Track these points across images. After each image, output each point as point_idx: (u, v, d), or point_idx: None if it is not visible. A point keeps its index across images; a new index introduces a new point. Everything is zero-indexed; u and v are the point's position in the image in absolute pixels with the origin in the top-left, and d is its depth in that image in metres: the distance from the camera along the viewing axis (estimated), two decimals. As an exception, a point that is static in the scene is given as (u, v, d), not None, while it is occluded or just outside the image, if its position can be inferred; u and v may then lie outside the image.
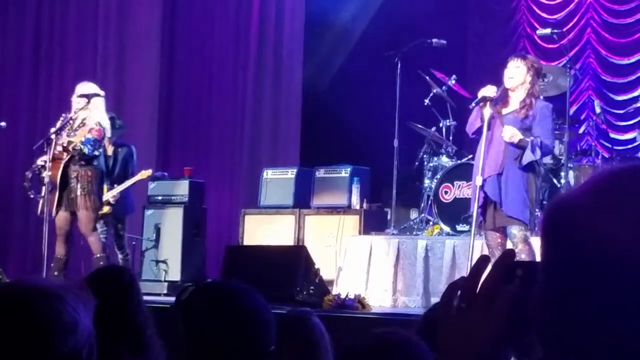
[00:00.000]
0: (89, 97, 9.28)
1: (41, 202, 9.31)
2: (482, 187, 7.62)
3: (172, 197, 11.14)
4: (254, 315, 2.57)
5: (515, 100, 7.68)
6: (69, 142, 9.07)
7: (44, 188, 9.17)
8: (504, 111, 7.69)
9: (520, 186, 7.55)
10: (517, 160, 7.56)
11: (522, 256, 7.59)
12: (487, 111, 7.65)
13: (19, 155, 12.67)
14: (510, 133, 7.53)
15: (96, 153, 9.20)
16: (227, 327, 2.54)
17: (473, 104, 7.76)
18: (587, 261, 1.32)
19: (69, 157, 9.11)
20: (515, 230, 7.60)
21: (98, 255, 9.20)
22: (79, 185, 9.11)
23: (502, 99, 7.71)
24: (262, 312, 2.60)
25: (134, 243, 11.24)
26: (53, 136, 9.13)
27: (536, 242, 8.04)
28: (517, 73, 7.65)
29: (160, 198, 11.20)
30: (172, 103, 13.45)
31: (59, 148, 9.11)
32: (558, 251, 1.38)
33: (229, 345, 2.53)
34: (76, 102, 9.35)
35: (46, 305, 1.82)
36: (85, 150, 9.09)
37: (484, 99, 7.64)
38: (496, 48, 12.86)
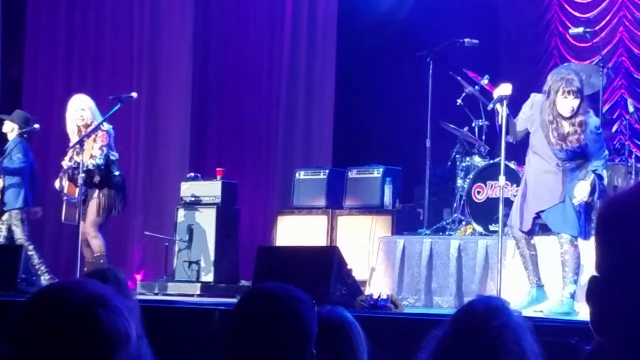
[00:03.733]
0: (90, 107, 9.45)
1: (64, 208, 9.46)
2: (538, 216, 7.61)
3: (205, 198, 11.17)
4: (303, 322, 2.57)
5: (567, 125, 7.59)
6: (79, 164, 9.19)
7: (65, 191, 9.35)
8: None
9: (577, 208, 7.53)
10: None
11: (566, 257, 7.56)
12: (504, 111, 7.62)
13: (51, 157, 12.74)
14: (583, 194, 7.49)
15: (112, 158, 9.32)
16: (277, 333, 2.54)
17: (491, 105, 7.75)
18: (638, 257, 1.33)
19: (85, 175, 9.24)
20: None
21: (98, 254, 9.34)
22: (94, 204, 9.33)
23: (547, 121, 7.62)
24: (309, 317, 2.60)
25: (166, 244, 11.28)
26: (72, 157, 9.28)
27: (580, 244, 8.04)
28: (573, 107, 7.53)
29: (193, 199, 11.23)
30: (206, 104, 13.49)
31: (72, 161, 9.26)
32: (611, 248, 1.39)
33: (275, 352, 2.53)
34: (78, 117, 9.45)
35: (108, 316, 1.84)
36: (99, 162, 9.21)
37: (501, 99, 7.62)
38: (528, 47, 12.82)
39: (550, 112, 7.51)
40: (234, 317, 2.61)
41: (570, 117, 7.49)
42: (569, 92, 7.45)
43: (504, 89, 7.65)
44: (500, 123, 7.68)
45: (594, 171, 7.52)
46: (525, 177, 7.88)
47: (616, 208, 1.46)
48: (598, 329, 1.74)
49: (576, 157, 7.58)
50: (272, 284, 2.66)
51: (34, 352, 1.81)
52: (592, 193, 7.48)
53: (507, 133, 7.73)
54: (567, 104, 7.47)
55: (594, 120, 7.69)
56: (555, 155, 7.59)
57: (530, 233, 7.78)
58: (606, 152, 7.79)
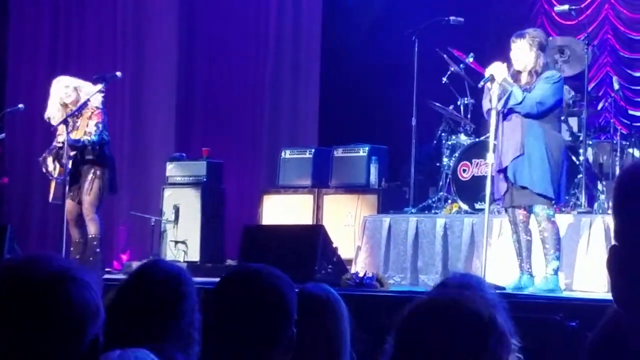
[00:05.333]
0: (76, 87, 9.38)
1: (52, 188, 9.43)
2: (504, 172, 7.61)
3: (191, 178, 11.16)
4: (283, 301, 2.57)
5: (524, 79, 7.69)
6: (74, 141, 9.13)
7: (54, 172, 9.29)
8: None
9: (544, 163, 7.53)
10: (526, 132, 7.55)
11: (545, 234, 7.59)
12: (496, 90, 7.64)
13: (36, 137, 12.71)
14: (495, 67, 7.54)
15: (104, 137, 9.28)
16: (257, 312, 2.54)
17: (482, 83, 7.76)
18: None
19: (77, 152, 9.19)
20: (539, 209, 7.61)
21: (92, 236, 9.32)
22: (91, 185, 9.28)
23: (513, 81, 7.69)
24: (290, 297, 2.60)
25: (152, 224, 11.26)
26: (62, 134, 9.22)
27: (561, 219, 8.05)
28: (520, 54, 7.65)
29: (178, 179, 11.22)
30: (191, 83, 13.45)
31: (60, 141, 9.20)
32: (630, 217, 1.39)
33: (257, 332, 2.53)
34: (64, 94, 9.38)
35: (78, 291, 1.83)
36: (94, 138, 9.17)
37: (492, 78, 7.63)
38: (514, 25, 12.78)
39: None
40: (215, 296, 2.61)
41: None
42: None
43: (496, 67, 7.65)
44: (491, 104, 7.68)
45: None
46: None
47: (635, 177, 1.45)
48: (618, 299, 1.73)
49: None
50: (253, 264, 2.67)
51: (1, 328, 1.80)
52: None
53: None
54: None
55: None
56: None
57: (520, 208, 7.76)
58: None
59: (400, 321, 2.15)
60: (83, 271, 1.89)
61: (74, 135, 9.17)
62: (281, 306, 2.54)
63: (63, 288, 1.82)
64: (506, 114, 7.62)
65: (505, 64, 7.70)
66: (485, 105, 7.78)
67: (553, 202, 7.69)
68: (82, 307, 1.83)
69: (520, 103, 7.50)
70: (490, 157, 7.68)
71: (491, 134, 7.75)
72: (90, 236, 9.37)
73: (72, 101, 9.37)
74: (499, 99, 7.64)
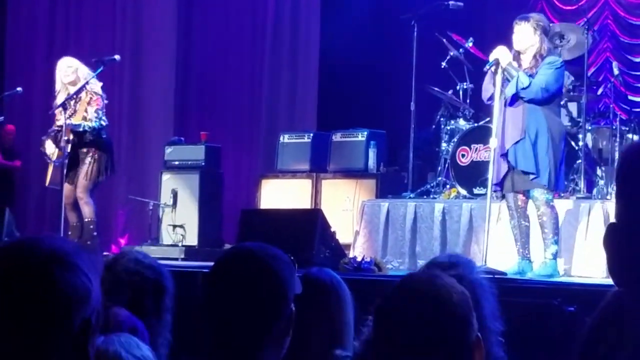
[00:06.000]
0: (77, 68, 9.35)
1: (49, 172, 9.41)
2: (505, 156, 7.59)
3: (189, 162, 11.15)
4: (279, 279, 2.56)
5: (526, 62, 7.66)
6: (74, 125, 9.11)
7: (53, 156, 9.28)
8: None
9: (543, 148, 7.52)
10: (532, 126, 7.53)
11: (544, 219, 7.58)
12: (500, 74, 7.61)
13: (34, 120, 12.69)
14: (500, 52, 7.53)
15: (103, 122, 9.26)
16: (252, 290, 2.53)
17: (487, 67, 7.71)
18: None
19: (75, 136, 9.17)
20: (538, 194, 7.59)
21: (87, 220, 9.32)
22: (88, 169, 9.27)
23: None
24: (286, 275, 2.59)
25: (151, 208, 11.25)
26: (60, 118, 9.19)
27: (559, 204, 8.03)
28: (523, 36, 7.63)
29: (176, 163, 11.21)
30: (189, 68, 13.43)
31: (59, 124, 9.18)
32: (630, 196, 1.39)
33: (252, 312, 2.52)
34: (63, 74, 9.36)
35: (64, 275, 1.81)
36: (95, 124, 9.15)
37: (497, 62, 7.60)
38: (514, 10, 12.74)
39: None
40: (211, 276, 2.60)
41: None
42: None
43: (500, 52, 7.62)
44: (494, 88, 7.65)
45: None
46: None
47: (635, 157, 1.45)
48: (614, 274, 1.73)
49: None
50: (250, 243, 2.66)
51: None
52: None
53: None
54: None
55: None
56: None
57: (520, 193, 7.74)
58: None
59: (377, 303, 2.18)
60: (77, 253, 1.87)
61: (73, 120, 9.15)
62: (275, 285, 2.53)
63: (48, 271, 1.81)
64: (510, 99, 7.59)
65: (507, 49, 7.67)
66: (488, 89, 7.74)
67: (550, 189, 7.68)
68: (69, 290, 1.81)
69: (526, 88, 7.48)
70: (492, 141, 7.65)
71: (494, 118, 7.70)
72: (86, 220, 9.37)
73: (71, 81, 9.35)
74: (503, 84, 7.62)
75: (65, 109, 9.17)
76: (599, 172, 9.45)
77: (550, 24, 9.43)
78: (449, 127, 10.14)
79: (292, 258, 2.65)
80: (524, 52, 7.67)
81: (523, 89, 7.48)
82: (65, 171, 9.19)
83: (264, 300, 2.50)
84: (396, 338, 2.11)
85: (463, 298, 2.15)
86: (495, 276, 6.06)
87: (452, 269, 2.88)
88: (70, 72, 9.35)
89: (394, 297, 2.17)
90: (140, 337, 3.42)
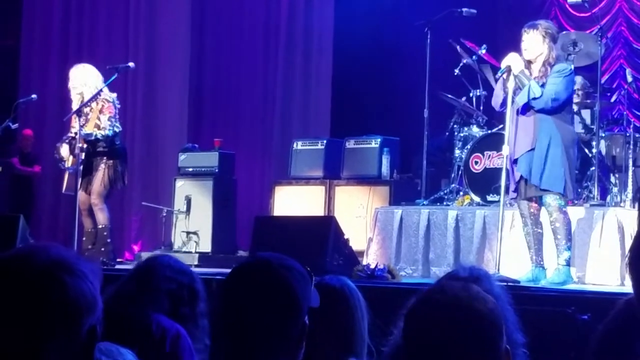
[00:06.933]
0: (82, 82, 9.40)
1: (66, 178, 9.45)
2: (515, 163, 7.58)
3: (203, 169, 11.16)
4: (292, 292, 2.56)
5: (536, 70, 7.64)
6: (87, 134, 9.14)
7: (67, 162, 9.33)
8: None
9: (556, 158, 7.49)
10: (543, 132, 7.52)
11: (556, 225, 7.56)
12: (512, 81, 7.60)
13: (49, 127, 12.73)
14: (512, 59, 7.52)
15: (116, 130, 9.29)
16: (264, 303, 2.54)
17: (499, 74, 7.70)
18: None
19: (89, 146, 9.21)
20: (550, 200, 7.57)
21: (101, 226, 9.34)
22: (102, 176, 9.31)
23: None
24: (300, 288, 2.60)
25: (164, 215, 11.27)
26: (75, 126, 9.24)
27: (573, 211, 8.01)
28: (532, 44, 7.61)
29: (190, 170, 11.23)
30: (203, 74, 13.46)
31: (74, 132, 9.22)
32: None
33: (265, 324, 2.53)
34: (75, 82, 9.42)
35: (75, 284, 1.83)
36: (109, 132, 9.18)
37: (509, 69, 7.59)
38: (527, 17, 12.74)
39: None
40: (226, 285, 2.61)
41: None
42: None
43: (512, 58, 7.61)
44: (506, 94, 7.64)
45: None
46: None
47: None
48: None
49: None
50: (267, 254, 2.65)
51: None
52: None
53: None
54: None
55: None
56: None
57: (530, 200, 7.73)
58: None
59: (408, 312, 2.18)
60: (81, 262, 1.89)
61: (86, 129, 9.18)
62: (289, 298, 2.53)
63: (58, 279, 1.82)
64: (522, 107, 7.58)
65: (519, 56, 7.66)
66: (499, 95, 7.72)
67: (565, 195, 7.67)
68: (78, 297, 1.83)
69: (538, 98, 7.46)
70: (505, 149, 7.64)
71: (507, 125, 7.69)
72: (100, 226, 9.40)
73: (79, 93, 9.38)
74: (514, 92, 7.60)
75: (79, 116, 9.21)
76: (612, 179, 9.44)
77: (565, 32, 9.43)
78: (462, 134, 10.14)
79: (308, 270, 2.65)
80: (533, 61, 7.65)
81: (534, 98, 7.47)
82: (80, 178, 9.23)
83: (277, 312, 2.51)
84: (429, 344, 2.11)
85: (495, 307, 2.16)
86: (509, 284, 6.06)
87: (476, 284, 2.89)
88: (74, 83, 9.40)
89: (426, 304, 2.18)
90: (184, 343, 3.46)
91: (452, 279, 3.04)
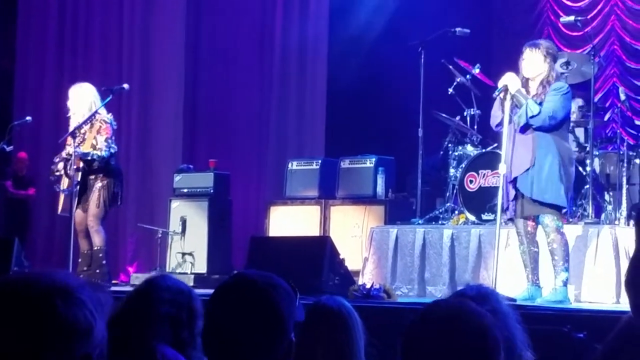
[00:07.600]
0: (78, 101, 9.41)
1: (61, 200, 9.45)
2: (513, 183, 7.59)
3: (198, 190, 11.16)
4: (276, 309, 2.57)
5: (534, 89, 7.66)
6: (83, 154, 9.14)
7: (63, 184, 9.32)
8: None
9: (555, 174, 7.50)
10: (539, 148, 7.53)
11: (554, 246, 7.56)
12: (509, 101, 7.62)
13: (43, 149, 12.73)
14: (509, 78, 7.54)
15: (112, 151, 9.29)
16: (247, 320, 2.55)
17: (496, 93, 7.72)
18: None
19: (85, 165, 9.21)
20: (548, 220, 7.57)
21: (97, 248, 9.35)
22: (97, 197, 9.31)
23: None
24: (285, 304, 2.60)
25: (159, 235, 11.27)
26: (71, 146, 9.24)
27: (568, 230, 8.02)
28: (533, 63, 7.63)
29: (185, 190, 11.23)
30: (198, 95, 13.47)
31: (69, 152, 9.22)
32: None
33: (249, 341, 2.54)
34: (72, 101, 9.43)
35: (67, 309, 1.83)
36: (104, 154, 9.18)
37: (506, 88, 7.61)
38: (520, 36, 12.81)
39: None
40: (210, 303, 2.63)
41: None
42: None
43: (509, 78, 7.62)
44: (503, 114, 7.65)
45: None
46: None
47: None
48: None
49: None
50: (252, 271, 2.68)
51: None
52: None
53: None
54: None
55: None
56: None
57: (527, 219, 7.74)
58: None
59: (406, 329, 2.19)
60: (84, 290, 1.89)
61: (82, 148, 9.19)
62: (272, 314, 2.54)
63: (50, 304, 1.83)
64: (520, 127, 7.59)
65: (515, 75, 7.68)
66: (497, 116, 7.73)
67: (564, 211, 7.68)
68: (70, 324, 1.83)
69: (536, 116, 7.48)
70: (502, 167, 7.65)
71: (503, 144, 7.69)
72: (95, 248, 9.39)
73: (76, 111, 9.40)
74: (512, 110, 7.62)
75: (74, 137, 9.22)
76: (607, 197, 9.46)
77: (558, 52, 9.46)
78: (456, 153, 10.16)
79: (292, 285, 2.67)
80: (532, 80, 7.68)
81: (532, 116, 7.49)
82: (75, 199, 9.23)
83: (260, 329, 2.52)
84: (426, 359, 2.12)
85: (492, 325, 2.16)
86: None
87: (485, 303, 2.89)
88: (69, 104, 9.42)
89: (423, 320, 2.19)
90: None
91: (460, 298, 3.05)
